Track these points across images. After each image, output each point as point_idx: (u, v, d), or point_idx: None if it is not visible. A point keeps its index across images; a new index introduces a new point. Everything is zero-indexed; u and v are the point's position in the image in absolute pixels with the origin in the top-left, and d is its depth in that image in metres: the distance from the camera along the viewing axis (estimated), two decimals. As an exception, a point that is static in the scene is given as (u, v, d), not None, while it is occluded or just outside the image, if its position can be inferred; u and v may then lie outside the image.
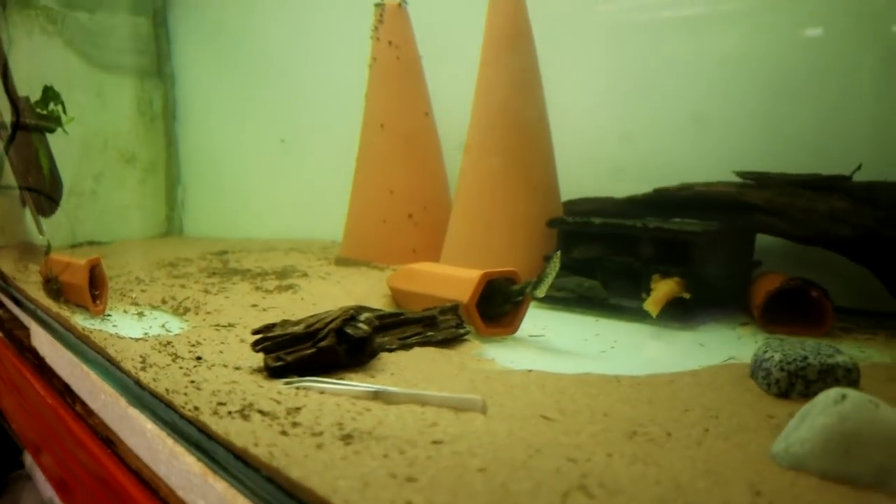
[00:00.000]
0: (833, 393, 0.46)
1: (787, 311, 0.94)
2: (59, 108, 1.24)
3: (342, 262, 1.48)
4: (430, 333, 0.86)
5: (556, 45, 1.29)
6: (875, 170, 0.97)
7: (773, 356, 0.65)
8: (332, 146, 1.75)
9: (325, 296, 1.14)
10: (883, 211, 0.93)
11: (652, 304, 0.95)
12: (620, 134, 1.34)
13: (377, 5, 1.47)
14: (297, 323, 0.74)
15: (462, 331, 0.89)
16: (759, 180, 1.04)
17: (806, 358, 0.63)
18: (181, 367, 0.72)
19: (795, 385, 0.63)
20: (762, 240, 1.11)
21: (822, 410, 0.46)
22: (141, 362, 0.73)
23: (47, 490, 1.39)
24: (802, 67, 1.13)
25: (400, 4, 1.46)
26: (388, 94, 1.47)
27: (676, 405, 0.62)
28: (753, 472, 0.45)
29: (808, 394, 0.60)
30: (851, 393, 0.46)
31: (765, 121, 1.17)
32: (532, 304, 0.95)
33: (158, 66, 2.15)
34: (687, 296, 0.96)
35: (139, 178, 2.11)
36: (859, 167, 0.98)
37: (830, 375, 0.63)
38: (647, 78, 1.31)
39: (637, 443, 0.52)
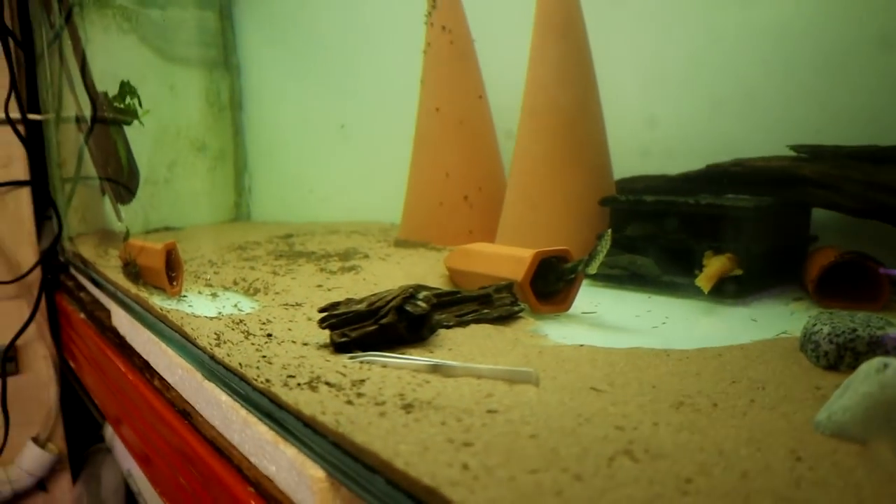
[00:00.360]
0: (875, 362, 0.47)
1: (842, 286, 0.93)
2: (136, 101, 1.29)
3: (401, 243, 1.52)
4: (485, 311, 0.88)
5: (606, 23, 1.29)
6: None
7: (821, 329, 0.65)
8: (389, 131, 1.78)
9: (385, 276, 1.17)
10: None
11: (704, 281, 0.94)
12: (672, 112, 1.33)
13: (431, -9, 1.48)
14: (360, 301, 0.78)
15: (517, 308, 0.91)
16: (814, 153, 1.02)
17: (855, 330, 0.63)
18: (253, 344, 0.76)
19: (844, 357, 0.63)
20: (822, 215, 1.09)
21: (864, 379, 0.47)
22: (215, 339, 0.78)
23: (126, 462, 1.48)
24: (860, 36, 1.09)
25: (453, -11, 1.47)
26: (443, 78, 1.49)
27: (724, 377, 0.63)
28: (796, 439, 0.47)
29: (856, 366, 0.59)
30: (893, 362, 0.46)
31: (821, 93, 1.14)
32: (586, 282, 0.96)
33: (225, 57, 2.22)
34: (739, 272, 0.96)
35: (209, 166, 2.19)
36: (921, 137, 0.96)
37: (881, 347, 0.62)
38: (699, 55, 1.29)
39: (683, 413, 0.54)
